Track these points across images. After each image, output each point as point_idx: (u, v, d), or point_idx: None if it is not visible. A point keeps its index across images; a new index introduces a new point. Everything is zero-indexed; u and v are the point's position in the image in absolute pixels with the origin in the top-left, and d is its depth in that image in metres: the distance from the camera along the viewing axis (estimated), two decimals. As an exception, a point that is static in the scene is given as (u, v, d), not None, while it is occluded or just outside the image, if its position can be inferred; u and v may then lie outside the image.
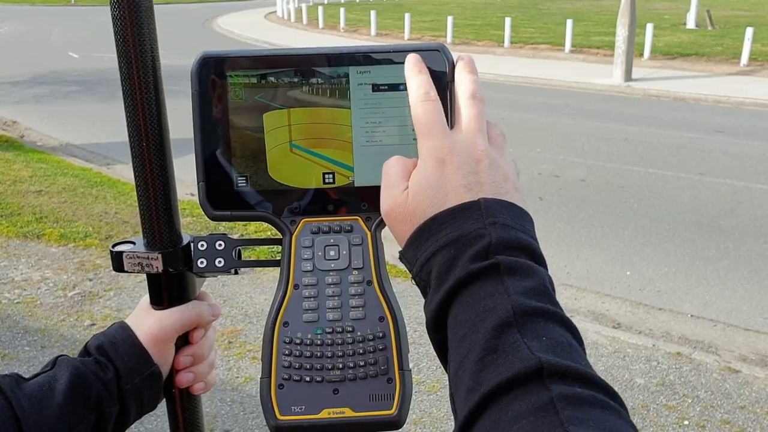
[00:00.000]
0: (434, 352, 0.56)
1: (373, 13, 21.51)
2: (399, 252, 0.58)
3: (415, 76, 0.61)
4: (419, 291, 0.57)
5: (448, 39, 18.31)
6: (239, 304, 4.19)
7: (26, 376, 0.70)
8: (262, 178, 0.69)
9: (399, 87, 0.66)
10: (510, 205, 0.55)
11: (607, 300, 4.56)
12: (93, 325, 3.90)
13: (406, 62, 0.63)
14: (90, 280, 4.51)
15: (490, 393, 0.45)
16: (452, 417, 0.51)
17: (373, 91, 0.67)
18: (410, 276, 0.57)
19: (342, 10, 23.77)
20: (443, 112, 0.59)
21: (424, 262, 0.54)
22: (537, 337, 0.47)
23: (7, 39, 22.17)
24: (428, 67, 0.65)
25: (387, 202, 0.59)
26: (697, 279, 4.82)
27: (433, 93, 0.60)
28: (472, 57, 0.64)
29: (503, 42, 18.10)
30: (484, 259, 0.51)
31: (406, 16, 20.21)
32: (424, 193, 0.56)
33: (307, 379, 0.67)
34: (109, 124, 9.55)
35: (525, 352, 0.45)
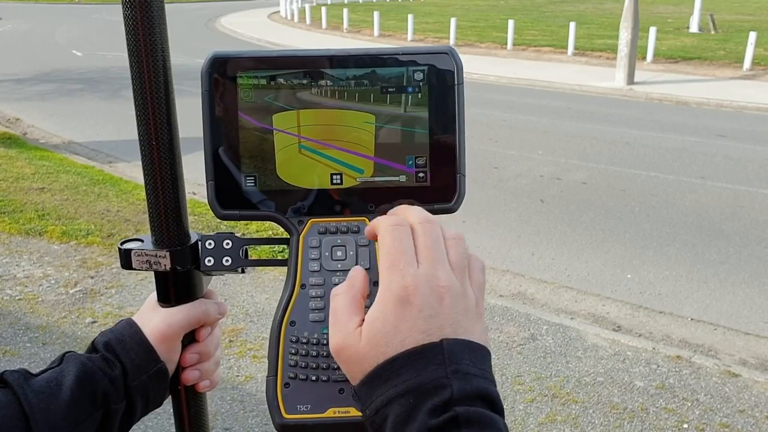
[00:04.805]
0: None
1: (376, 14, 21.51)
2: (351, 388, 0.56)
3: (399, 208, 0.61)
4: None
5: (451, 41, 18.31)
6: (240, 303, 4.20)
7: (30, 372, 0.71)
8: (271, 178, 0.69)
9: (407, 89, 0.67)
10: (471, 346, 0.53)
11: (608, 303, 4.56)
12: (94, 322, 3.91)
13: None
14: (92, 277, 4.52)
15: None
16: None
17: (381, 92, 0.67)
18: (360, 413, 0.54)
19: (345, 10, 23.79)
20: (413, 243, 0.56)
21: (380, 407, 0.52)
22: None
23: (11, 36, 22.19)
24: (437, 68, 0.67)
25: (336, 339, 0.55)
26: (697, 283, 4.82)
27: (408, 221, 0.58)
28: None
29: (506, 44, 18.11)
30: (443, 413, 0.49)
31: (410, 17, 20.21)
32: (380, 337, 0.53)
33: (313, 378, 0.67)
34: (111, 122, 9.58)
35: None
